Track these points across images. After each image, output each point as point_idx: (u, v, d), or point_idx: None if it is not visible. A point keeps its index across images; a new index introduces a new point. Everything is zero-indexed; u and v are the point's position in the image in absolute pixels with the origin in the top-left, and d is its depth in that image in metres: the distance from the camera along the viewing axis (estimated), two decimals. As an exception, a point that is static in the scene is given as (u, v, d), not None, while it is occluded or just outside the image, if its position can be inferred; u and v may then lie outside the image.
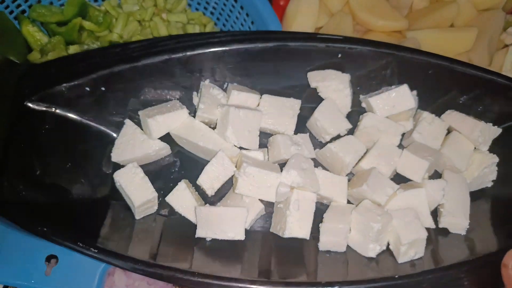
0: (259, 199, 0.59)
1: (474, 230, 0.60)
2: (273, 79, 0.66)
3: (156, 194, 0.59)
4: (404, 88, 0.62)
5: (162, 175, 0.64)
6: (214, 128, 0.63)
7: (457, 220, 0.59)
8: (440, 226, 0.61)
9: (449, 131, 0.65)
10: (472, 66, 0.64)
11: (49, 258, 0.62)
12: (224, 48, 0.62)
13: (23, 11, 0.78)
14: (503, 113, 0.65)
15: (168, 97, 0.65)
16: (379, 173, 0.59)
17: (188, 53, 0.61)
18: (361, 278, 0.54)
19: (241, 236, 0.56)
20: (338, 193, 0.60)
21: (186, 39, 0.62)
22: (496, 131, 0.63)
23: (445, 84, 0.65)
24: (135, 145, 0.61)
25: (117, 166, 0.62)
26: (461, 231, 0.60)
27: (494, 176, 0.64)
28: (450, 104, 0.66)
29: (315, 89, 0.66)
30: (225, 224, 0.56)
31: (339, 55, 0.63)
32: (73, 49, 0.74)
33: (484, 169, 0.62)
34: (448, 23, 0.82)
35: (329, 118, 0.63)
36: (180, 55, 0.61)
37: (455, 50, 0.79)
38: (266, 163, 0.60)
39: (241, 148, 0.61)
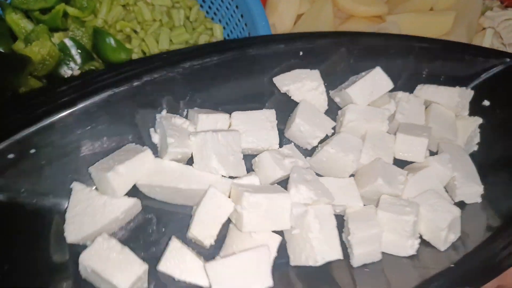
0: (272, 231, 0.49)
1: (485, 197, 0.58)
2: (236, 93, 0.58)
3: (146, 266, 0.44)
4: (378, 70, 0.58)
5: (139, 240, 0.49)
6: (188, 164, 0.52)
7: (472, 188, 0.56)
8: (456, 200, 0.57)
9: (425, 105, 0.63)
10: (427, 39, 0.65)
11: None
12: (176, 69, 0.52)
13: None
14: (463, 76, 0.66)
15: (119, 142, 0.52)
16: (385, 162, 0.54)
17: (135, 83, 0.50)
18: (416, 282, 0.47)
19: (268, 282, 0.45)
20: (351, 197, 0.53)
21: (128, 68, 0.51)
22: (469, 93, 0.62)
23: (407, 61, 0.64)
24: (95, 212, 0.46)
25: (77, 248, 0.46)
26: (477, 198, 0.57)
27: (478, 138, 0.63)
28: (415, 79, 0.65)
29: (283, 94, 0.59)
30: (248, 274, 0.44)
31: (301, 53, 0.58)
32: (57, 37, 0.69)
33: (470, 133, 0.61)
34: (427, 7, 0.83)
35: (312, 120, 0.56)
36: (125, 87, 0.50)
37: (434, 33, 0.80)
38: (267, 187, 0.50)
39: (230, 177, 0.51)
